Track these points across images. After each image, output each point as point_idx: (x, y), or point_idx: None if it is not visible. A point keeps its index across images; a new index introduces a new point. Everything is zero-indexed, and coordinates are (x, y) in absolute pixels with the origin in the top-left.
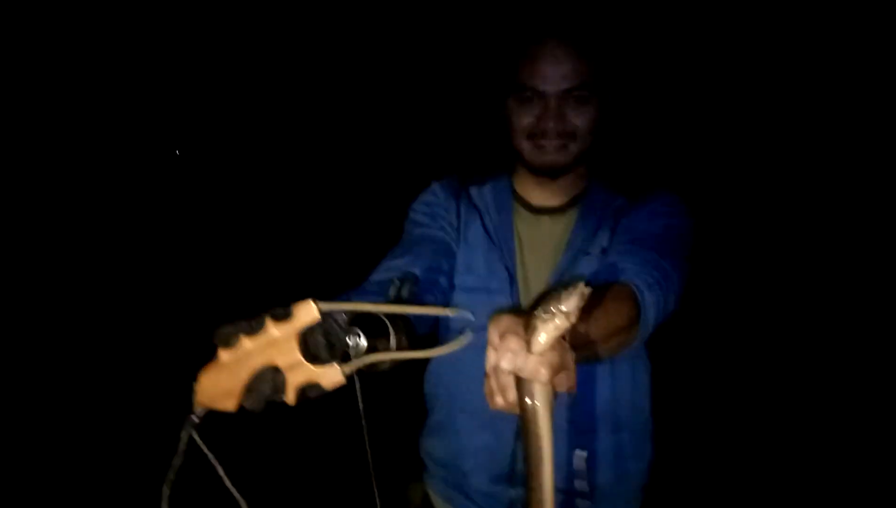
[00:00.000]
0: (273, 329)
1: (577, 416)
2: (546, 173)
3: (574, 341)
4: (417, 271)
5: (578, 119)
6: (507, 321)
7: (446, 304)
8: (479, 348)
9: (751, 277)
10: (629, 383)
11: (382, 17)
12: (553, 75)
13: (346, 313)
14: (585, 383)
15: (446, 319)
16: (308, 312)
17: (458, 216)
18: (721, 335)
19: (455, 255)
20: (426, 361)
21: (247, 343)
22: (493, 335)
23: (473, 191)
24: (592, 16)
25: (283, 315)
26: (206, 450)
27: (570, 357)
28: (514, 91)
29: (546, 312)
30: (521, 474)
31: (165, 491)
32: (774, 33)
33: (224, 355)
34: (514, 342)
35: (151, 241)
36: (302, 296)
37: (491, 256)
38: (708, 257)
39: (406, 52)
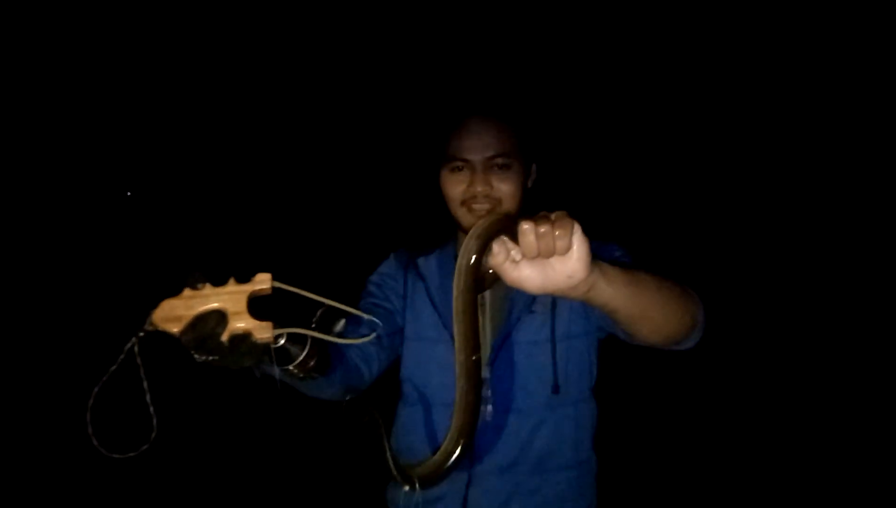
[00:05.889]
0: (233, 285)
1: (519, 456)
2: None
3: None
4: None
5: (504, 184)
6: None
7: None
8: (432, 406)
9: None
10: (573, 424)
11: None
12: (477, 146)
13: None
14: (527, 422)
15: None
16: (264, 280)
17: (405, 286)
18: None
19: (396, 324)
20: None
21: (209, 289)
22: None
23: (421, 261)
24: (510, 93)
25: (244, 279)
26: (139, 362)
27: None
28: (445, 163)
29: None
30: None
31: (93, 394)
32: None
33: (188, 292)
34: None
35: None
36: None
37: (436, 322)
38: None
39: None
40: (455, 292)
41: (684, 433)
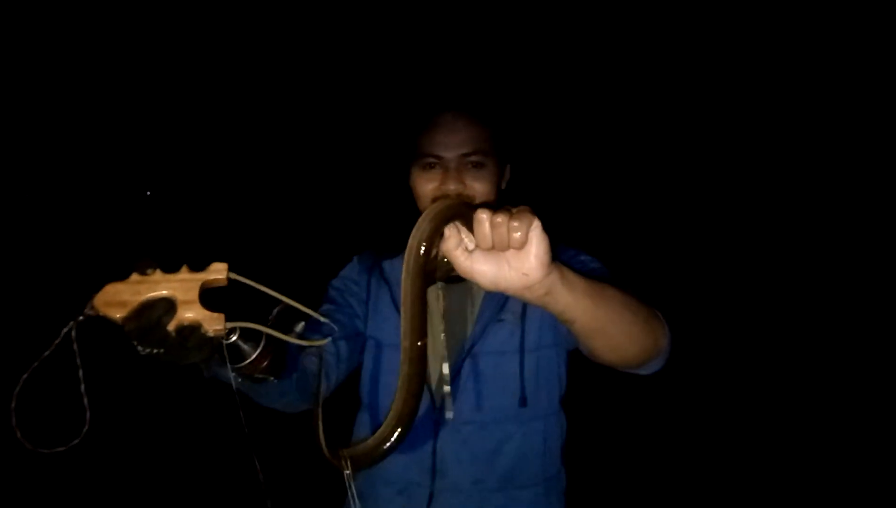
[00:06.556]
0: (185, 272)
1: (484, 472)
2: None
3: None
4: None
5: (477, 183)
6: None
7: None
8: None
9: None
10: (541, 438)
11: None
12: (451, 142)
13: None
14: (493, 436)
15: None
16: (219, 270)
17: (369, 291)
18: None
19: (356, 332)
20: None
21: (158, 275)
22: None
23: (386, 264)
24: (486, 90)
25: (198, 268)
26: (76, 348)
27: (457, 237)
28: (416, 159)
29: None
30: None
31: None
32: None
33: (135, 276)
34: None
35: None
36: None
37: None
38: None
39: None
40: (403, 275)
41: (655, 445)
